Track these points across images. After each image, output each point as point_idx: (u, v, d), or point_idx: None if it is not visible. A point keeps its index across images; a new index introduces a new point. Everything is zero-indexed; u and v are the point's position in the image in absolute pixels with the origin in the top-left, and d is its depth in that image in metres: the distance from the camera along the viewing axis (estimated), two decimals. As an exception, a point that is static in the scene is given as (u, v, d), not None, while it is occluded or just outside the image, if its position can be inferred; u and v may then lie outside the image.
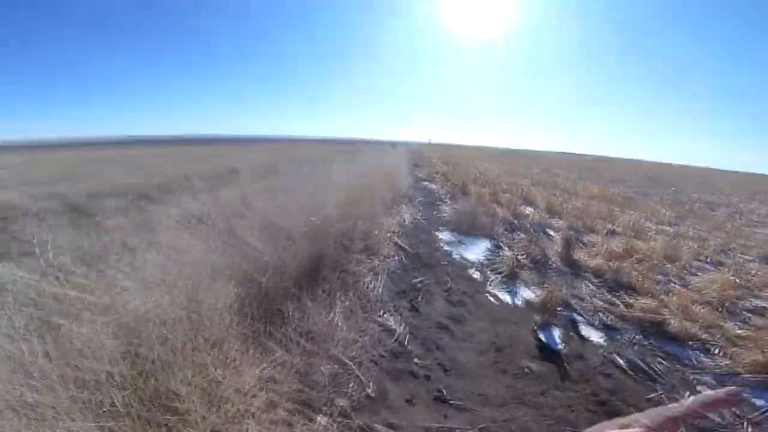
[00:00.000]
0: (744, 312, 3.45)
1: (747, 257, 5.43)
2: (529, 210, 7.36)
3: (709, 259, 5.12)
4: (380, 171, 8.39)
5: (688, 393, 2.32)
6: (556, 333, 3.00)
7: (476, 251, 5.03)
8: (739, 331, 2.95)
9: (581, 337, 2.98)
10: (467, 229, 5.73)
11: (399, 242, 5.13)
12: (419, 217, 6.63)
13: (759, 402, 2.32)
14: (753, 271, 4.46)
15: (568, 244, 4.79)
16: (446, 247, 5.19)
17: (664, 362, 2.66)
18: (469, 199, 7.69)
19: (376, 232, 4.77)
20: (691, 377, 2.51)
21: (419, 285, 3.90)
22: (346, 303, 3.24)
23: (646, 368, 2.56)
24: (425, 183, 10.96)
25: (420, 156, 23.75)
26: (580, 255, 4.77)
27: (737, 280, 3.83)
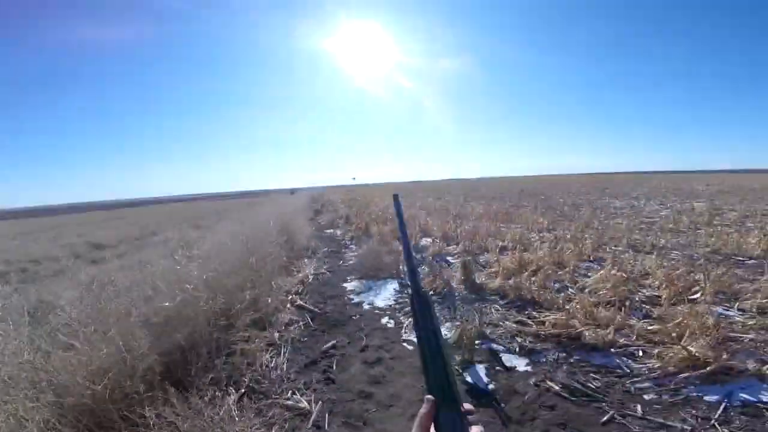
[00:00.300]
0: (640, 304, 3.67)
1: (619, 248, 6.17)
2: (427, 240, 7.47)
3: (591, 258, 5.66)
4: (275, 224, 7.79)
5: (638, 406, 2.24)
6: (481, 370, 2.80)
7: (385, 296, 4.77)
8: (648, 327, 3.04)
9: (507, 368, 2.81)
10: (374, 273, 5.48)
11: (302, 303, 4.62)
12: (324, 270, 6.19)
13: (711, 398, 2.29)
14: (630, 261, 4.99)
15: (467, 270, 4.83)
16: (355, 298, 4.83)
17: (597, 377, 2.58)
18: (372, 240, 7.53)
19: (269, 300, 4.20)
20: (632, 388, 2.44)
21: (331, 350, 3.45)
22: (242, 390, 2.68)
23: (585, 389, 2.45)
24: (328, 230, 10.59)
25: (323, 201, 23.48)
26: (481, 278, 4.82)
27: (623, 274, 4.15)
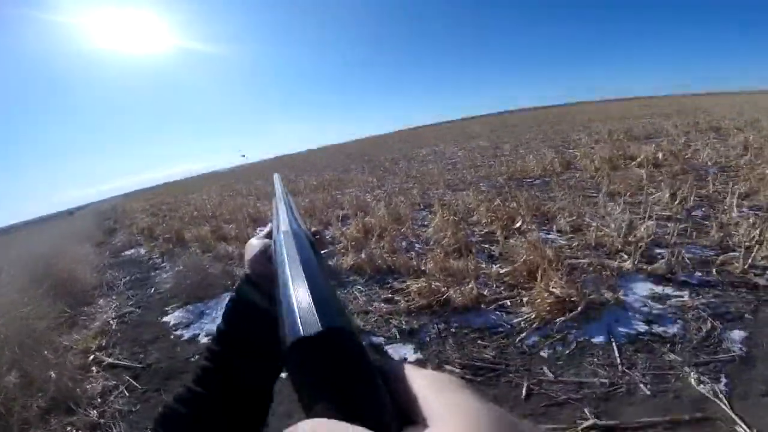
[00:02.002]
0: (480, 245, 3.78)
1: (440, 191, 6.66)
2: (262, 231, 6.54)
3: (422, 205, 5.90)
4: (36, 266, 5.52)
5: (545, 368, 2.10)
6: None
7: (226, 316, 3.84)
8: (500, 270, 3.06)
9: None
10: (202, 293, 4.36)
11: (113, 360, 3.33)
12: (131, 307, 4.66)
13: (598, 339, 2.24)
14: (453, 202, 5.34)
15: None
16: (186, 333, 3.72)
17: (487, 343, 2.39)
18: (189, 250, 6.12)
19: (51, 374, 2.83)
20: (524, 346, 2.32)
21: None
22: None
23: (484, 363, 2.24)
24: (127, 252, 8.22)
25: (117, 215, 18.69)
26: (333, 258, 4.40)
27: (453, 217, 4.29)
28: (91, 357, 3.43)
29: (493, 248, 3.62)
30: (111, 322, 4.27)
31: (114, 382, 2.95)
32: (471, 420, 0.19)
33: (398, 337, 2.65)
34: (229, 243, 5.93)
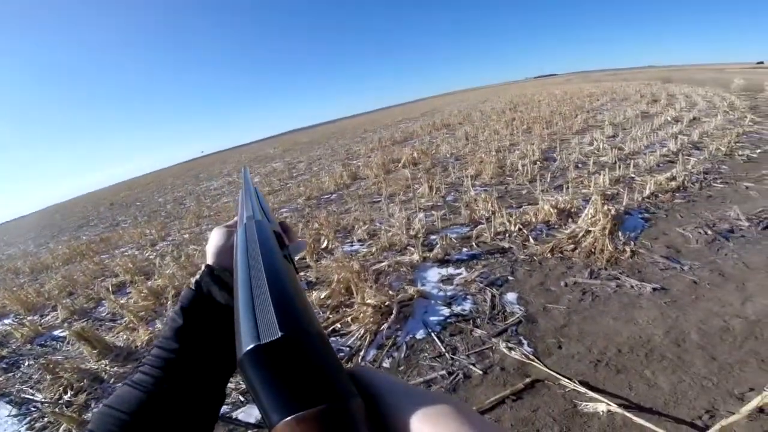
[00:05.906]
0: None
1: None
2: (3, 325, 4.53)
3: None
4: None
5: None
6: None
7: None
8: (320, 296, 2.98)
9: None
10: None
11: None
12: None
13: (419, 335, 2.31)
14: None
15: (89, 339, 3.24)
16: None
17: None
18: None
19: None
20: (365, 363, 2.28)
21: None
22: None
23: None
24: None
25: None
26: (118, 337, 3.44)
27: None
28: None
29: (309, 275, 3.56)
30: None
31: None
32: None
33: (243, 400, 2.25)
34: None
